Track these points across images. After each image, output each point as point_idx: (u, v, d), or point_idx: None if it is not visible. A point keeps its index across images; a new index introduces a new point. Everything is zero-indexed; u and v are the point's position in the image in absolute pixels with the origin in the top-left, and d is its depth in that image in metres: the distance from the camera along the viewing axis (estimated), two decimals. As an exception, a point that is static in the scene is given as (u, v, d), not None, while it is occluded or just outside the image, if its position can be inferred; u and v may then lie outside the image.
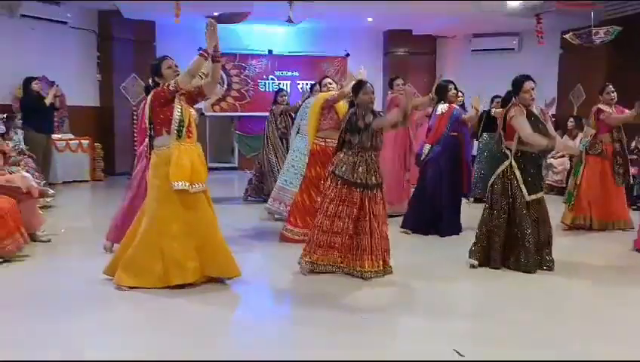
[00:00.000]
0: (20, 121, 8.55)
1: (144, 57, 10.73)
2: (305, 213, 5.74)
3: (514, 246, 4.85)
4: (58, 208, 7.57)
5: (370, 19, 11.73)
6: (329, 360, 3.11)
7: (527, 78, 4.84)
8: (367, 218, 4.56)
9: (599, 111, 6.55)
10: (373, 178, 4.59)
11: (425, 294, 4.35)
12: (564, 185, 8.48)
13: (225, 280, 4.36)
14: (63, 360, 3.06)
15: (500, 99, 8.02)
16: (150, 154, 4.35)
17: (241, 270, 4.35)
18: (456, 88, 6.43)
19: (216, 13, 9.46)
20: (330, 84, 6.28)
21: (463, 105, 7.46)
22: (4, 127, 7.22)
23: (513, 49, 12.33)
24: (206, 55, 4.14)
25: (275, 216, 6.62)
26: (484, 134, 8.40)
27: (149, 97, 4.32)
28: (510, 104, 4.98)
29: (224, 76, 12.11)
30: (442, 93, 6.31)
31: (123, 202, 5.20)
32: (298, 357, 3.14)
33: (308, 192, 5.79)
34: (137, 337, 3.44)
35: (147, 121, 4.35)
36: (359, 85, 4.68)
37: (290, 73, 12.85)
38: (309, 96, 7.12)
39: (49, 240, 5.63)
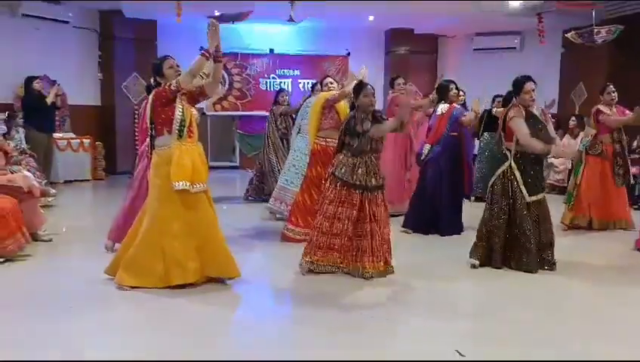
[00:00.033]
0: (22, 120, 8.57)
1: (145, 56, 10.75)
2: (306, 212, 5.74)
3: (515, 246, 4.85)
4: (59, 207, 7.58)
5: (371, 18, 11.72)
6: (329, 360, 3.11)
7: (528, 78, 4.83)
8: (368, 220, 4.55)
9: (598, 112, 6.54)
10: (373, 180, 4.58)
11: (426, 293, 4.35)
12: (566, 185, 8.47)
13: (225, 280, 4.36)
14: (62, 360, 3.06)
15: (501, 99, 8.01)
16: (151, 153, 4.36)
17: (241, 270, 4.35)
18: (457, 88, 6.42)
19: (217, 13, 9.45)
20: (332, 83, 6.28)
21: (464, 105, 7.46)
22: (5, 127, 7.23)
23: (515, 48, 12.31)
24: (207, 55, 4.13)
25: (277, 216, 6.63)
26: (485, 133, 8.39)
27: (150, 97, 4.31)
28: (510, 105, 4.97)
29: (225, 75, 12.12)
30: (443, 92, 6.30)
31: (124, 202, 5.20)
32: (298, 357, 3.14)
33: (309, 192, 5.79)
34: (137, 337, 3.44)
35: (148, 121, 4.34)
36: (359, 87, 4.67)
37: (291, 72, 12.85)
38: (309, 96, 7.12)
39: (50, 240, 5.64)
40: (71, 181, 10.14)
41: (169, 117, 4.17)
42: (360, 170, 4.54)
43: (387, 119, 4.82)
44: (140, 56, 11.32)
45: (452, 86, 6.30)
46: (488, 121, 8.10)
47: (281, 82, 12.53)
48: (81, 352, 3.21)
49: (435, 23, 11.88)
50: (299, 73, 12.85)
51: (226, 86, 12.31)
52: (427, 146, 6.22)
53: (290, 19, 9.52)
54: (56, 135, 9.60)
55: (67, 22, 10.49)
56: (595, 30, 8.61)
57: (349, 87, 5.30)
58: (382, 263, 4.60)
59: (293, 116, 7.59)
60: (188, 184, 4.09)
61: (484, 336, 3.54)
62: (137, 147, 5.94)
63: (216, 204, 4.44)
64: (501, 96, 8.03)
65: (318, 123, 5.85)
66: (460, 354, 3.17)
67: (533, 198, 4.79)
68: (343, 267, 4.65)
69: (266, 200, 6.96)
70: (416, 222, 6.24)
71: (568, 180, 8.05)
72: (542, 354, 3.23)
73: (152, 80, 4.56)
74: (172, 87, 4.16)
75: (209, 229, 4.26)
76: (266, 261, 5.47)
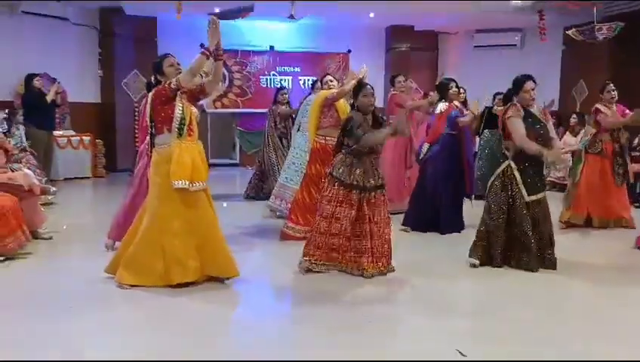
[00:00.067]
0: (22, 118, 8.56)
1: (145, 54, 10.74)
2: (306, 210, 5.73)
3: (515, 245, 4.84)
4: (60, 205, 7.57)
5: (371, 15, 11.70)
6: (329, 360, 3.11)
7: (529, 77, 4.81)
8: (367, 220, 4.54)
9: (597, 111, 6.53)
10: (372, 180, 4.56)
11: (425, 292, 4.35)
12: (566, 182, 8.45)
13: (224, 279, 4.35)
14: (62, 360, 3.06)
15: (501, 96, 7.97)
16: (151, 152, 4.35)
17: (241, 268, 4.35)
18: (457, 86, 6.41)
19: (217, 10, 9.43)
20: (332, 81, 6.25)
21: (465, 102, 7.43)
22: (6, 125, 7.22)
23: (516, 45, 12.29)
24: (208, 53, 4.12)
25: (277, 214, 6.63)
26: (486, 131, 8.33)
27: (150, 95, 4.31)
28: (509, 104, 4.95)
29: (226, 72, 12.07)
30: (443, 91, 6.29)
31: (124, 200, 5.20)
32: (298, 357, 3.14)
33: (308, 190, 5.78)
34: (137, 337, 3.44)
35: (148, 119, 4.34)
36: (359, 87, 4.65)
37: (291, 69, 12.83)
38: (309, 94, 7.11)
39: (51, 238, 5.64)
40: (71, 178, 10.15)
41: (169, 115, 4.16)
42: (358, 171, 4.52)
43: (387, 119, 4.80)
44: (140, 54, 11.30)
45: (452, 84, 6.29)
46: (489, 119, 8.07)
47: (281, 79, 12.52)
48: (81, 352, 3.21)
49: (435, 20, 11.88)
50: (299, 70, 12.83)
51: (227, 83, 12.27)
52: (426, 145, 6.21)
53: (291, 17, 9.52)
54: (56, 132, 9.61)
55: (67, 19, 10.49)
56: (596, 27, 8.60)
57: (349, 86, 5.29)
58: (382, 263, 4.59)
59: (293, 116, 7.57)
60: (187, 183, 4.08)
61: (484, 335, 3.53)
62: (137, 145, 5.94)
63: (216, 201, 4.44)
64: (502, 93, 7.99)
65: (318, 121, 5.84)
66: (462, 353, 3.16)
67: (533, 198, 4.77)
68: (342, 266, 4.64)
69: (265, 199, 6.96)
70: (416, 220, 6.23)
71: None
72: (542, 353, 3.23)
73: (152, 78, 4.55)
74: (172, 86, 4.15)
75: (209, 228, 4.25)
76: (265, 259, 5.46)
